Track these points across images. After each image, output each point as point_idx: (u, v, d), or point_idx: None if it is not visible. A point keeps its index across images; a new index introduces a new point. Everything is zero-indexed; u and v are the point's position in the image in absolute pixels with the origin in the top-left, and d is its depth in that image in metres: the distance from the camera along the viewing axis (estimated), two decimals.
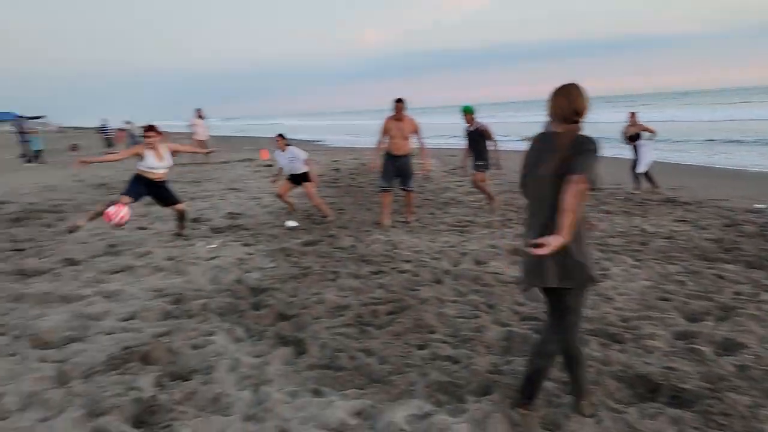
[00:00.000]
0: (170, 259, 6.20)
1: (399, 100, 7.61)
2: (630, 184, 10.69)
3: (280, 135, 8.90)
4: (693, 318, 4.15)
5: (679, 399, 2.97)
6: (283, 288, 5.02)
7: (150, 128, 6.95)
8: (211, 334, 3.96)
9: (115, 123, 31.57)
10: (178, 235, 7.33)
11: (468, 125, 8.69)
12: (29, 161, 21.36)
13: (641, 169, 10.52)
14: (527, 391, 2.79)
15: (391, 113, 7.68)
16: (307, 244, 6.89)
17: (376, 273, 5.50)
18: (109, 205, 6.52)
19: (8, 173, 17.49)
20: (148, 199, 7.29)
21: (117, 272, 5.72)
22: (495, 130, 8.82)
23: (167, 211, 9.24)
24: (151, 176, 6.94)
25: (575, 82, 2.61)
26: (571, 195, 2.38)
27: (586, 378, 2.87)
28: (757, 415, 2.75)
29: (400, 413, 2.81)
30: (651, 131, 10.66)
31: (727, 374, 3.17)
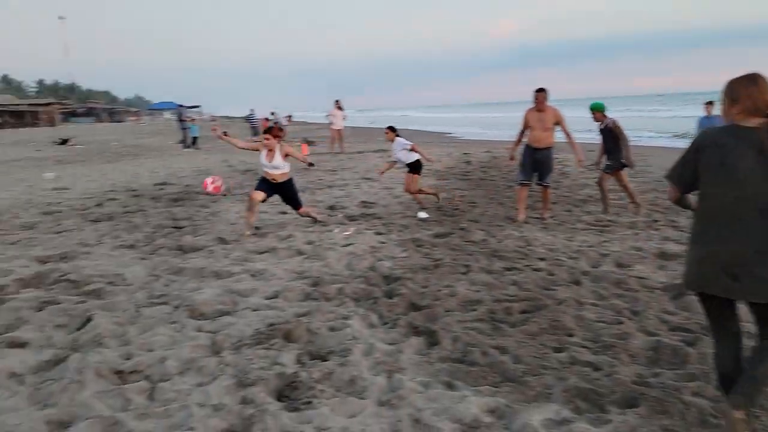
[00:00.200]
0: (309, 243, 6.51)
1: (540, 90, 7.34)
2: None
3: (389, 127, 8.80)
4: None
5: None
6: (415, 278, 5.07)
7: (268, 130, 7.10)
8: (346, 318, 4.10)
9: (260, 113, 33.74)
10: (315, 221, 7.61)
11: (599, 123, 8.16)
12: (188, 147, 23.53)
13: None
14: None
15: (532, 104, 7.43)
16: (438, 236, 6.90)
17: (509, 269, 5.38)
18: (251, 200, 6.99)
19: (169, 157, 19.40)
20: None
21: (262, 253, 6.11)
22: (625, 127, 8.10)
23: (306, 197, 9.74)
24: (267, 176, 7.09)
25: (759, 72, 2.33)
26: None
27: (762, 394, 2.56)
28: None
29: (536, 416, 2.72)
30: None
31: None
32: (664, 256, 5.69)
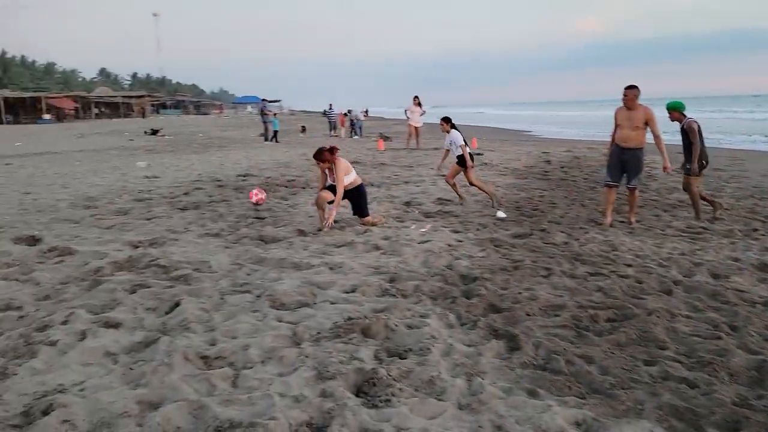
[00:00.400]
0: (386, 238, 6.51)
1: (630, 87, 7.00)
2: None
3: (444, 118, 9.04)
4: None
5: None
6: (494, 279, 4.95)
7: (316, 155, 6.92)
8: (424, 316, 4.05)
9: (337, 108, 34.28)
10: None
11: (680, 123, 7.69)
12: (269, 140, 24.24)
13: None
14: None
15: (622, 101, 7.11)
16: (517, 236, 6.73)
17: (593, 274, 5.15)
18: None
19: (251, 149, 20.04)
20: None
21: (340, 246, 6.17)
22: (699, 129, 7.52)
23: (381, 193, 9.77)
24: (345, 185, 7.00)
25: None
26: None
27: None
28: None
29: None
30: None
31: None
32: (765, 268, 5.29)
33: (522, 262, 5.48)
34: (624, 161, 7.19)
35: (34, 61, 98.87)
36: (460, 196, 9.09)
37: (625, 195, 7.63)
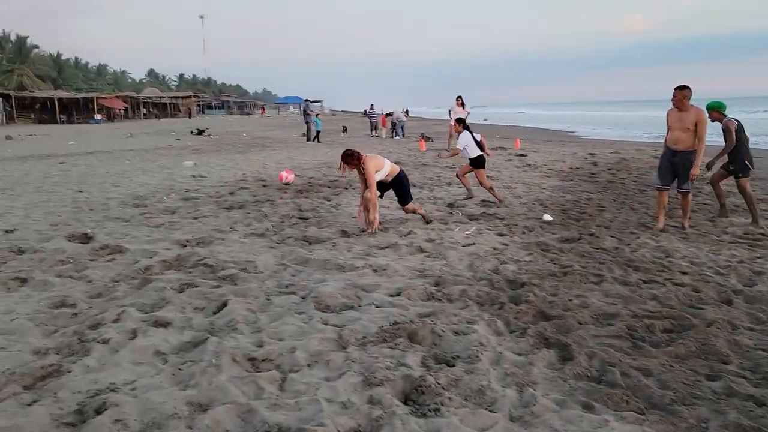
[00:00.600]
0: (430, 240, 6.43)
1: (679, 87, 6.74)
2: None
3: (457, 120, 9.45)
4: None
5: None
6: (543, 285, 4.82)
7: (344, 158, 6.82)
8: (471, 322, 3.97)
9: (377, 108, 34.32)
10: (424, 219, 7.44)
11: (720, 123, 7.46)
12: (311, 140, 24.45)
13: None
14: None
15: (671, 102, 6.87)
16: (565, 240, 6.56)
17: (647, 282, 4.97)
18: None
19: (294, 149, 20.24)
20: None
21: (383, 248, 6.13)
22: (738, 129, 7.41)
23: (424, 194, 9.70)
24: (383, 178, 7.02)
25: None
26: None
27: None
28: None
29: None
30: None
31: None
32: None
33: (571, 268, 5.33)
34: (675, 164, 6.93)
35: (87, 63, 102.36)
36: (468, 189, 9.47)
37: (677, 199, 7.36)
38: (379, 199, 7.06)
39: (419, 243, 6.28)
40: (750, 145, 7.74)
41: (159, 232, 6.85)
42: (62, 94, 59.72)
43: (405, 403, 2.91)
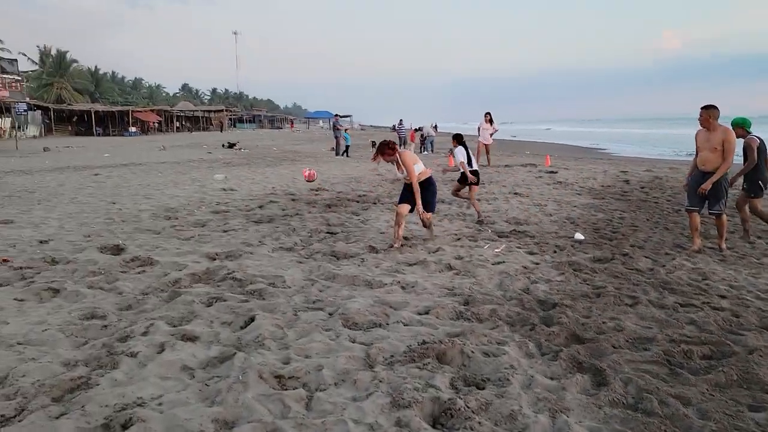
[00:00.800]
0: (458, 258, 6.35)
1: (705, 107, 6.61)
2: None
3: (454, 136, 9.16)
4: None
5: None
6: (575, 306, 4.70)
7: (379, 149, 6.98)
8: (502, 343, 3.88)
9: (407, 123, 34.38)
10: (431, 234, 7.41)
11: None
12: (340, 154, 24.59)
13: None
14: None
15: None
16: (597, 260, 6.41)
17: (683, 305, 4.80)
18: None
19: (323, 164, 20.36)
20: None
21: (412, 265, 6.07)
22: (760, 147, 7.19)
23: (453, 210, 9.62)
24: (405, 181, 7.08)
25: None
26: None
27: None
28: None
29: None
30: None
31: None
32: None
33: (604, 289, 5.19)
34: (713, 189, 6.72)
35: (123, 77, 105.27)
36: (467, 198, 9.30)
37: (713, 220, 7.15)
38: (410, 213, 7.04)
39: (448, 260, 6.21)
40: None
41: (189, 244, 6.91)
42: (98, 107, 61.36)
43: (433, 426, 2.84)
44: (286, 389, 3.14)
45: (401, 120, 33.80)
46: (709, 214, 6.91)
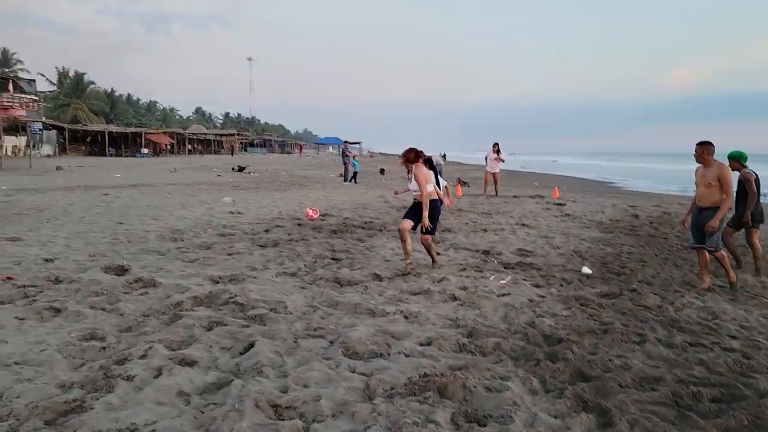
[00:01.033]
0: (463, 288, 6.29)
1: (701, 143, 6.67)
2: None
3: (426, 160, 8.79)
4: None
5: None
6: (581, 342, 4.60)
7: (406, 151, 7.33)
8: (505, 378, 3.79)
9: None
10: (432, 260, 7.40)
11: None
12: (348, 181, 24.70)
13: None
14: None
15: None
16: (605, 295, 6.31)
17: (693, 345, 4.69)
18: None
19: (331, 189, 20.43)
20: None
21: (416, 294, 6.01)
22: (756, 181, 7.33)
23: (459, 240, 9.57)
24: (414, 197, 7.28)
25: None
26: None
27: None
28: None
29: None
30: None
31: None
32: None
33: (612, 325, 5.10)
34: (700, 221, 6.72)
35: (138, 99, 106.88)
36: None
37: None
38: (412, 231, 7.20)
39: (453, 290, 6.14)
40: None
41: (193, 267, 6.88)
42: (113, 128, 62.22)
43: None
44: (282, 419, 3.07)
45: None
46: (708, 251, 6.82)
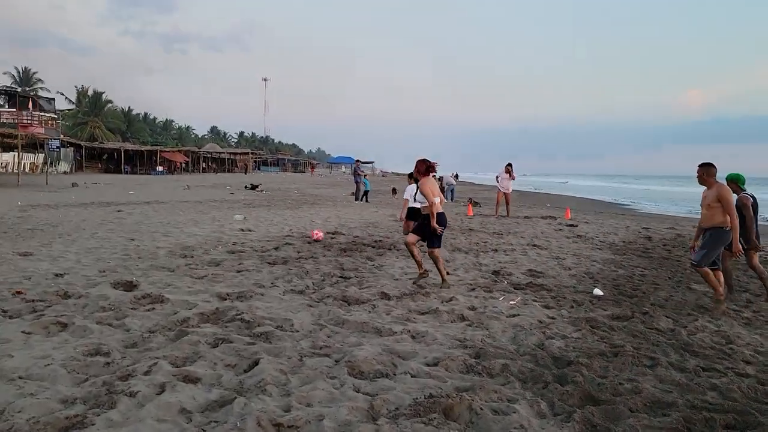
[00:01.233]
0: (472, 308, 6.22)
1: (702, 165, 6.76)
2: None
3: (409, 174, 9.65)
4: None
5: None
6: (591, 365, 4.51)
7: (420, 161, 7.41)
8: (512, 401, 3.72)
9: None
10: (442, 278, 7.33)
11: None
12: (359, 199, 24.76)
13: None
14: None
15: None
16: (616, 317, 6.21)
17: (706, 369, 4.59)
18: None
19: (342, 208, 20.47)
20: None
21: (424, 313, 5.95)
22: (753, 205, 7.27)
23: (469, 260, 9.50)
24: (422, 210, 7.43)
25: None
26: None
27: None
28: None
29: None
30: None
31: None
32: None
33: (623, 348, 4.99)
34: (704, 243, 6.81)
35: (154, 118, 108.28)
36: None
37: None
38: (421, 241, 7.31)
39: (461, 310, 6.08)
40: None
41: (201, 283, 6.89)
42: (128, 146, 63.07)
43: None
44: None
45: None
46: (713, 269, 6.79)
